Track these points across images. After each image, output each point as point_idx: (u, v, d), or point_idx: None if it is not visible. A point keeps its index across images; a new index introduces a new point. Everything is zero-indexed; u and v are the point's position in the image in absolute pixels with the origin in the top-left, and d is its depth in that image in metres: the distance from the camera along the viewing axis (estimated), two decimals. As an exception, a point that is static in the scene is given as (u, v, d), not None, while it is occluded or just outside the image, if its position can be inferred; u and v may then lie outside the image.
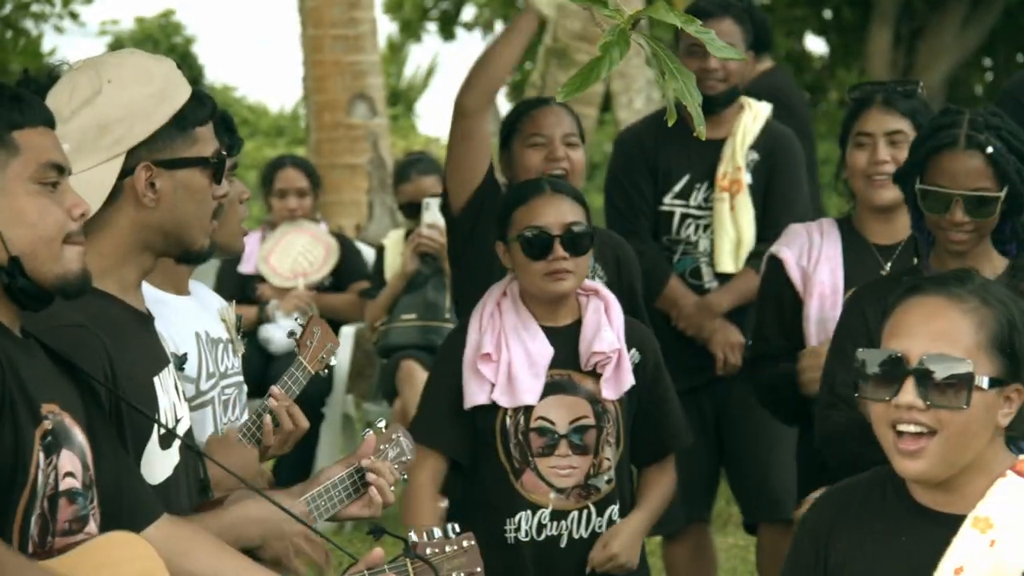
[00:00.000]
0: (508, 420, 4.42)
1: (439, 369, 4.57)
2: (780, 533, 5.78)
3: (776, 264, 4.89)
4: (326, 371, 4.21)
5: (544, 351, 4.44)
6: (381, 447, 3.76)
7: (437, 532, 3.36)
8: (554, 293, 4.44)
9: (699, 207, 5.89)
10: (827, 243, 4.85)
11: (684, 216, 5.89)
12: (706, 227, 5.89)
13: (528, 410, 4.42)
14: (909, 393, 2.93)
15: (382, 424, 3.81)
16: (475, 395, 4.42)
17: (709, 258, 5.90)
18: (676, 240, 5.90)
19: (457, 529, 3.39)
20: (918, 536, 3.00)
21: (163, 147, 3.24)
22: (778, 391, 4.86)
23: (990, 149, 4.18)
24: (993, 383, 2.94)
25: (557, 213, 4.44)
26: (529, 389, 4.42)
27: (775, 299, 4.90)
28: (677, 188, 5.91)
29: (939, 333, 2.95)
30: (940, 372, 2.92)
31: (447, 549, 3.35)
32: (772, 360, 4.88)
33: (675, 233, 5.90)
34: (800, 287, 4.84)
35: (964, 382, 2.92)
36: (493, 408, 4.42)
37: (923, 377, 2.92)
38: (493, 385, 4.42)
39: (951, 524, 2.97)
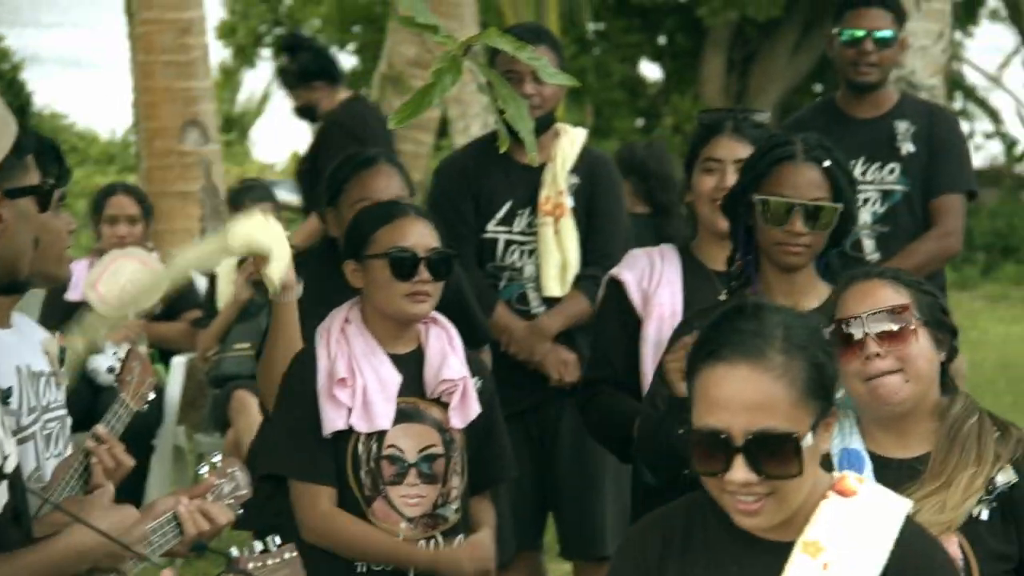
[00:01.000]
0: (360, 447, 4.39)
1: (291, 399, 4.50)
2: (595, 569, 5.83)
3: (616, 287, 4.93)
4: (146, 406, 4.17)
5: (393, 377, 4.42)
6: (217, 482, 3.70)
7: (259, 546, 3.34)
8: (412, 314, 4.42)
9: (522, 232, 5.94)
10: (667, 267, 4.89)
11: (508, 242, 5.92)
12: (531, 252, 5.94)
13: (380, 437, 4.39)
14: (740, 471, 2.90)
15: (217, 459, 3.76)
16: (333, 421, 4.38)
17: (535, 283, 5.94)
18: (501, 267, 5.94)
19: (279, 541, 3.36)
20: (749, 566, 2.99)
21: (6, 176, 3.19)
22: (609, 423, 4.87)
23: (827, 163, 4.28)
24: (815, 430, 2.93)
25: (421, 236, 4.44)
26: (384, 413, 4.39)
27: (615, 321, 4.92)
28: (500, 214, 5.96)
29: (757, 406, 2.91)
30: (768, 447, 2.90)
31: (269, 562, 3.33)
32: (607, 384, 4.90)
33: (500, 260, 5.94)
34: (640, 309, 4.88)
35: (793, 450, 2.91)
36: (345, 434, 4.39)
37: (752, 454, 2.89)
38: (349, 410, 4.40)
39: (780, 551, 2.97)
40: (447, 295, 4.61)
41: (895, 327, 3.66)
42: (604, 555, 5.83)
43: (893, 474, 3.59)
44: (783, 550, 2.97)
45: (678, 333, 4.41)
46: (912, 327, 3.66)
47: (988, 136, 22.32)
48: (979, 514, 3.59)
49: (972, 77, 22.30)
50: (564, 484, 5.94)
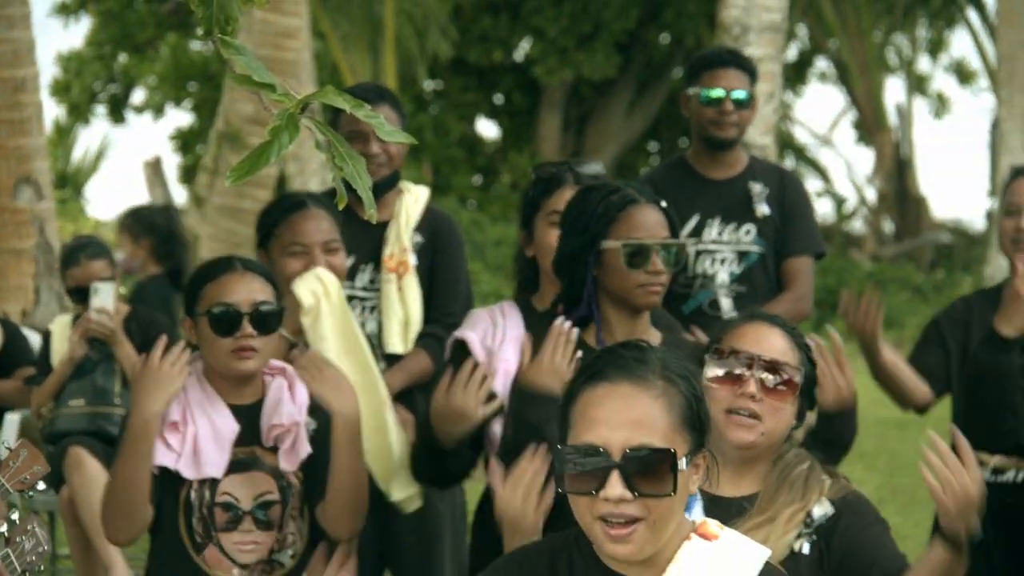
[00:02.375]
0: (193, 494, 4.39)
1: None
2: None
3: (461, 347, 4.96)
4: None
5: (230, 427, 4.43)
6: (17, 539, 3.69)
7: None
8: (239, 371, 4.44)
9: (364, 288, 5.92)
10: (509, 324, 4.93)
11: (350, 298, 5.91)
12: (372, 308, 5.93)
13: (214, 485, 4.40)
14: (616, 487, 2.92)
15: (15, 516, 3.74)
16: (161, 457, 4.39)
17: (377, 339, 5.93)
18: None
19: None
20: None
21: None
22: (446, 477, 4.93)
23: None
24: (688, 460, 2.98)
25: (247, 291, 4.45)
26: (213, 462, 4.40)
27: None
28: None
29: (636, 422, 2.96)
30: (645, 463, 2.93)
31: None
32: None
33: None
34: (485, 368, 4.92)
35: (669, 469, 2.94)
36: (178, 482, 4.39)
37: (628, 469, 2.92)
38: (179, 456, 4.39)
39: None
40: None
41: (781, 383, 3.75)
42: None
43: (723, 512, 3.67)
44: None
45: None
46: (791, 390, 3.76)
47: (819, 195, 22.68)
48: (800, 548, 3.69)
49: (802, 137, 22.71)
50: (402, 540, 5.94)
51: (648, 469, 2.93)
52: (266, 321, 4.44)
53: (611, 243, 4.33)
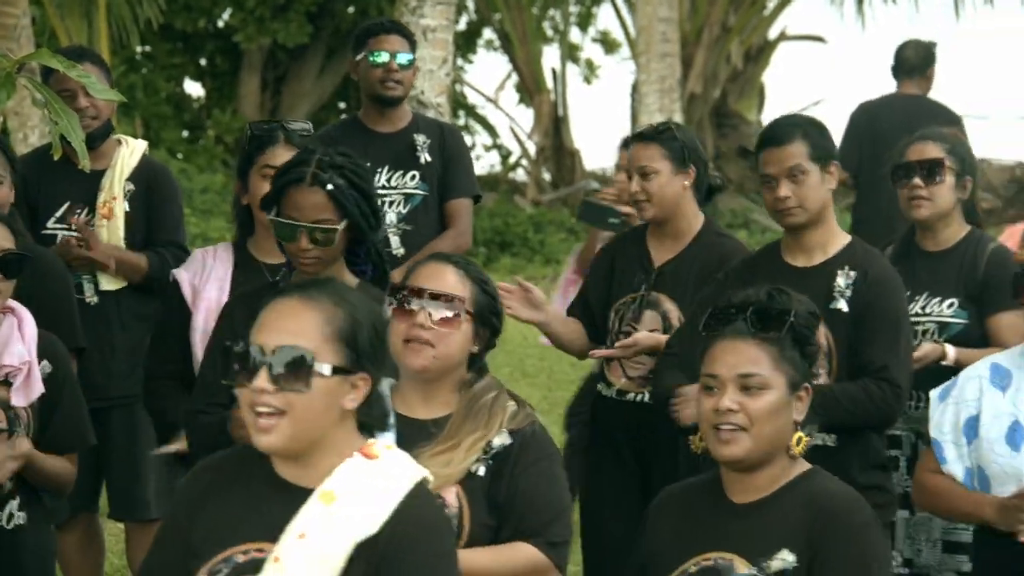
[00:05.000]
0: None
1: None
2: (144, 529, 5.77)
3: (174, 285, 4.94)
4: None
5: None
6: None
7: None
8: None
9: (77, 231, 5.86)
10: (219, 264, 4.93)
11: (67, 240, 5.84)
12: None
13: None
14: (262, 379, 2.97)
15: None
16: None
17: (91, 276, 5.85)
18: None
19: None
20: (276, 506, 3.03)
21: None
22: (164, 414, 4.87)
23: (330, 187, 4.30)
24: (336, 371, 3.00)
25: None
26: None
27: (171, 314, 4.92)
28: (58, 213, 5.85)
29: (289, 329, 2.99)
30: (284, 359, 2.97)
31: None
32: (159, 369, 4.89)
33: None
34: (190, 303, 4.88)
35: (305, 369, 2.97)
36: None
37: (273, 365, 2.96)
38: None
39: (304, 496, 3.01)
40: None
41: (450, 313, 3.76)
42: (148, 518, 5.78)
43: (414, 432, 3.70)
44: (307, 496, 3.02)
45: (223, 312, 4.45)
46: (460, 314, 3.77)
47: (487, 148, 22.88)
48: (477, 470, 3.71)
49: (473, 98, 22.83)
50: (114, 450, 5.87)
51: (287, 366, 2.96)
52: (9, 266, 4.31)
53: (271, 218, 4.35)
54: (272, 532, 2.98)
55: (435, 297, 3.77)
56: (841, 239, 4.92)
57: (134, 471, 5.82)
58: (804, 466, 3.59)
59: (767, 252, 5.03)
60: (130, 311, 5.88)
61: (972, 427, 4.28)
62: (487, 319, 3.86)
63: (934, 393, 4.42)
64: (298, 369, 2.97)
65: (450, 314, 3.77)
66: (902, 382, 4.73)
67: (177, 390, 4.79)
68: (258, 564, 2.98)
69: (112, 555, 6.66)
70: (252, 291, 4.47)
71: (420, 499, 3.05)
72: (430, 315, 3.76)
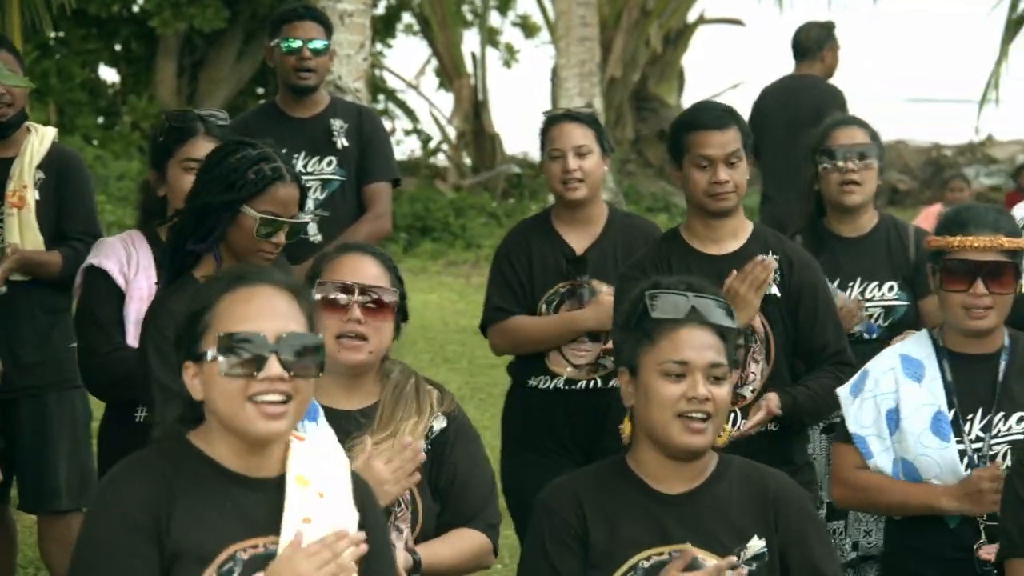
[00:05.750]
0: None
1: None
2: (56, 521, 5.72)
3: (100, 274, 4.83)
4: None
5: None
6: None
7: None
8: None
9: None
10: (141, 253, 4.88)
11: None
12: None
13: None
14: (275, 367, 2.94)
15: None
16: None
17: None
18: None
19: None
20: (243, 499, 3.00)
21: None
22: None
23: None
24: None
25: None
26: None
27: (104, 305, 4.83)
28: None
29: (286, 315, 2.99)
30: (293, 346, 2.96)
31: None
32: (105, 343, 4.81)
33: None
34: (125, 291, 4.83)
35: (313, 353, 2.99)
36: None
37: (281, 352, 2.95)
38: None
39: (267, 487, 3.01)
40: None
41: (381, 305, 3.75)
42: (60, 509, 5.73)
43: (343, 422, 3.70)
44: (268, 485, 3.01)
45: (156, 302, 4.35)
46: (390, 309, 3.77)
47: (407, 133, 22.79)
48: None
49: (393, 82, 22.72)
50: (23, 442, 5.80)
51: (299, 354, 2.96)
52: None
53: (251, 211, 4.23)
54: (256, 527, 2.97)
55: (364, 291, 3.77)
56: (747, 225, 4.92)
57: (44, 462, 5.75)
58: (713, 453, 3.56)
59: (673, 240, 4.92)
60: (40, 302, 5.80)
61: (893, 419, 4.28)
62: (403, 307, 3.87)
63: (843, 390, 4.41)
64: (307, 354, 2.97)
65: (382, 306, 3.77)
66: (854, 361, 4.77)
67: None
68: (260, 560, 2.96)
69: (25, 547, 6.58)
70: (185, 284, 4.41)
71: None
72: (362, 309, 3.76)
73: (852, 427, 4.34)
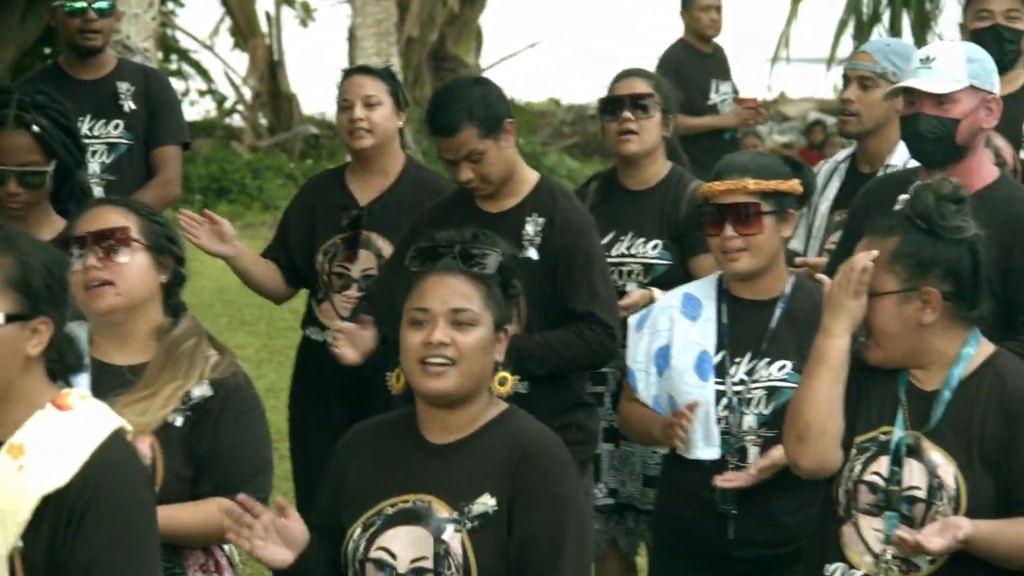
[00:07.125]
0: None
1: None
2: None
3: None
4: None
5: None
6: None
7: None
8: None
9: None
10: None
11: None
12: None
13: None
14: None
15: None
16: None
17: None
18: None
19: None
20: None
21: None
22: None
23: (35, 128, 4.19)
24: (10, 319, 2.87)
25: None
26: None
27: None
28: None
29: None
30: None
31: None
32: None
33: None
34: None
35: None
36: None
37: None
38: None
39: None
40: None
41: (117, 244, 3.67)
42: None
43: (109, 378, 3.61)
44: None
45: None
46: (128, 242, 3.67)
47: (202, 93, 22.48)
48: (174, 420, 3.64)
49: (186, 42, 22.38)
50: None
51: None
52: None
53: None
54: None
55: (99, 237, 3.68)
56: (529, 181, 4.85)
57: None
58: (502, 406, 3.52)
59: (461, 195, 4.92)
60: None
61: (664, 356, 4.39)
62: (164, 246, 3.76)
63: (632, 321, 4.53)
64: None
65: (118, 245, 3.68)
66: (611, 321, 4.74)
67: None
68: None
69: None
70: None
71: (113, 449, 2.93)
72: (100, 254, 3.67)
73: (628, 360, 4.49)
